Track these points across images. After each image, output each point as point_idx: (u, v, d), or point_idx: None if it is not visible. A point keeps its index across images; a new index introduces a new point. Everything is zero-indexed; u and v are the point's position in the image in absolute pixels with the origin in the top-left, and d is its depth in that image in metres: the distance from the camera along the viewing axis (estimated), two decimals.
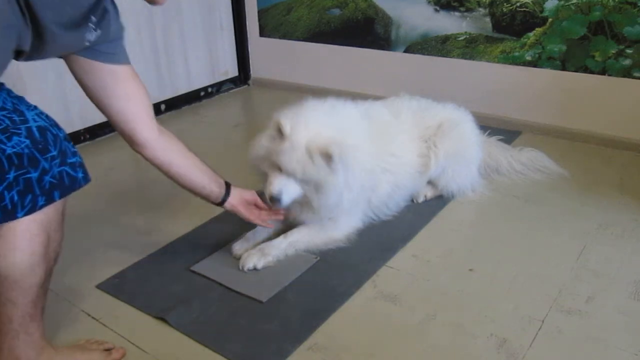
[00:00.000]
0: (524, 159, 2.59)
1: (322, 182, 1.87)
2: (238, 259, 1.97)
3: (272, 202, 1.91)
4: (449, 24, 3.15)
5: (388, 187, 2.16)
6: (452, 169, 2.31)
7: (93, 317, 1.76)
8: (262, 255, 1.95)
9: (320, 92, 3.59)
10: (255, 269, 1.92)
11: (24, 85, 2.78)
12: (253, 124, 3.48)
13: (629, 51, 2.69)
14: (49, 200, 1.33)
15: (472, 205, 2.35)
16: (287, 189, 1.88)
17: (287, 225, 2.08)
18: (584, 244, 2.05)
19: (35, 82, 2.83)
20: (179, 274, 1.94)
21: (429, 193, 2.36)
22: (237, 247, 2.01)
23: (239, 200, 1.93)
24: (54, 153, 1.33)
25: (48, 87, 2.89)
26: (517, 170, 2.55)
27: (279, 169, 1.88)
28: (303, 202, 1.95)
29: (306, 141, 1.83)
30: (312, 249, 2.03)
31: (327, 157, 1.83)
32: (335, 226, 2.05)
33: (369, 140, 2.03)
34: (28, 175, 1.28)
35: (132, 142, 1.69)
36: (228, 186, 1.91)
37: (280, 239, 2.01)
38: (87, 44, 1.43)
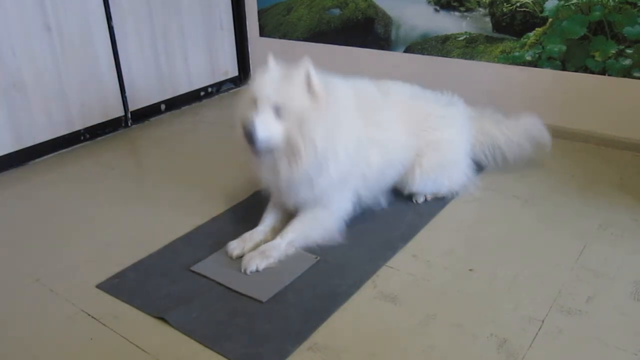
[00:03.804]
0: (521, 128, 2.51)
1: (302, 111, 1.80)
2: (233, 258, 1.97)
3: (248, 140, 1.80)
4: (449, 24, 3.15)
5: (379, 159, 2.10)
6: (436, 178, 2.29)
7: (93, 317, 1.76)
8: (263, 257, 1.94)
9: None
10: (257, 270, 1.92)
11: (24, 85, 2.79)
12: None
13: (629, 51, 2.69)
14: None
15: (472, 205, 2.35)
16: (263, 121, 1.79)
17: (284, 224, 2.08)
18: (584, 244, 2.05)
19: (36, 82, 2.83)
20: (179, 274, 1.94)
21: (429, 194, 2.36)
22: (233, 246, 2.01)
23: None
24: None
25: (48, 87, 2.89)
26: (515, 142, 2.48)
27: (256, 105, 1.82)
28: (288, 151, 1.85)
29: (284, 70, 1.84)
30: (311, 245, 2.02)
31: (306, 79, 1.81)
32: (328, 213, 2.03)
33: (354, 107, 1.99)
34: None
35: None
36: None
37: (278, 239, 2.01)
38: None
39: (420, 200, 2.34)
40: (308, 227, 2.03)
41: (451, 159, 2.34)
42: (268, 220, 2.12)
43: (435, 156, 2.27)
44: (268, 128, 1.80)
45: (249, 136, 1.79)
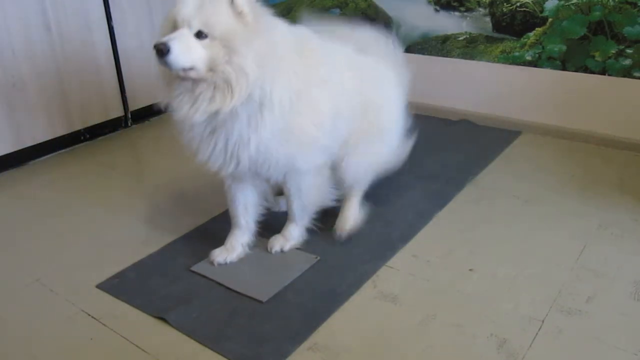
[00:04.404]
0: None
1: (228, 35, 1.56)
2: (214, 266, 1.97)
3: (157, 54, 1.53)
4: (449, 24, 3.15)
5: (330, 104, 1.83)
6: (372, 146, 2.07)
7: (93, 317, 1.76)
8: (286, 240, 2.05)
9: None
10: (282, 251, 2.03)
11: (24, 85, 2.79)
12: None
13: (629, 51, 2.69)
14: None
15: (472, 205, 2.35)
16: (179, 40, 1.53)
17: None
18: (584, 244, 2.05)
19: (36, 81, 2.83)
20: (179, 274, 1.94)
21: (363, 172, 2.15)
22: (216, 253, 2.00)
23: None
24: None
25: (48, 87, 2.89)
26: None
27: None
28: (214, 82, 1.60)
29: None
30: (320, 206, 2.05)
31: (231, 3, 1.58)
32: (300, 173, 1.89)
33: (293, 46, 1.75)
34: None
35: None
36: None
37: (292, 224, 2.05)
38: None
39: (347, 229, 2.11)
40: (299, 200, 1.98)
41: (388, 125, 2.13)
42: (242, 218, 2.03)
43: (374, 119, 2.05)
44: (187, 52, 1.55)
45: (159, 51, 1.52)
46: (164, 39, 1.54)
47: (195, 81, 1.62)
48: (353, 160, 2.04)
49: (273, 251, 2.02)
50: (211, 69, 1.59)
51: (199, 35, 1.57)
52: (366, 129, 2.03)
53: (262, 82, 1.63)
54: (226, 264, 1.98)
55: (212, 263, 1.98)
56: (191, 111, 1.64)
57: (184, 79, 1.63)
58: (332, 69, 1.88)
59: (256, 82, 1.61)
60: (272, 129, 1.70)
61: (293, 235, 2.05)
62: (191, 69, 1.58)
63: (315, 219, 2.09)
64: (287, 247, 2.04)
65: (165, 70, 1.62)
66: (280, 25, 1.73)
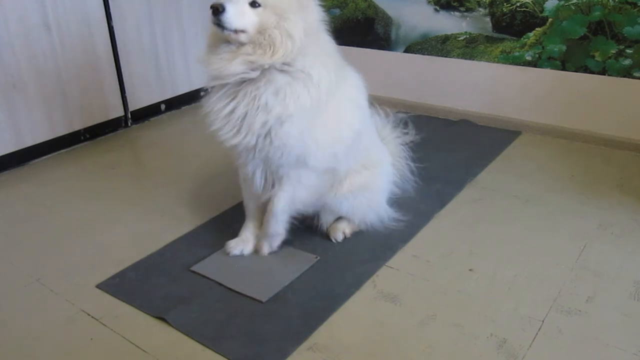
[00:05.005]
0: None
1: (282, 7, 1.66)
2: (230, 256, 2.00)
3: (213, 12, 1.66)
4: (449, 24, 3.16)
5: (355, 119, 1.89)
6: (358, 197, 2.05)
7: (93, 317, 1.76)
8: (273, 237, 2.00)
9: None
10: (272, 250, 2.01)
11: (24, 85, 2.79)
12: None
13: (629, 51, 2.69)
14: None
15: (472, 205, 2.35)
16: (234, 4, 1.66)
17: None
18: (584, 244, 2.05)
19: (36, 81, 2.83)
20: (179, 274, 1.94)
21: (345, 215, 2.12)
22: (232, 245, 2.03)
23: None
24: None
25: (48, 87, 2.89)
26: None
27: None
28: (258, 42, 1.68)
29: None
30: (305, 203, 1.96)
31: None
32: (307, 169, 1.85)
33: (336, 61, 1.84)
34: None
35: None
36: None
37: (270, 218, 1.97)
38: None
39: (340, 238, 2.10)
40: (291, 191, 1.90)
41: (378, 183, 2.13)
42: (253, 210, 2.05)
43: (366, 174, 2.06)
44: (241, 16, 1.66)
45: (215, 12, 1.65)
46: (221, 0, 1.65)
47: (242, 44, 1.70)
48: (351, 204, 2.05)
49: (261, 254, 2.01)
50: (259, 32, 1.68)
51: (253, 4, 1.68)
52: (363, 179, 2.04)
53: (306, 52, 1.70)
54: (242, 255, 2.01)
55: (227, 254, 2.00)
56: (229, 63, 1.71)
57: (231, 42, 1.71)
58: (359, 93, 1.95)
59: (300, 49, 1.68)
60: (300, 107, 1.71)
61: (279, 231, 1.99)
62: (242, 31, 1.67)
63: (314, 221, 2.08)
64: (275, 245, 2.02)
65: (216, 33, 1.73)
66: (330, 40, 1.83)
